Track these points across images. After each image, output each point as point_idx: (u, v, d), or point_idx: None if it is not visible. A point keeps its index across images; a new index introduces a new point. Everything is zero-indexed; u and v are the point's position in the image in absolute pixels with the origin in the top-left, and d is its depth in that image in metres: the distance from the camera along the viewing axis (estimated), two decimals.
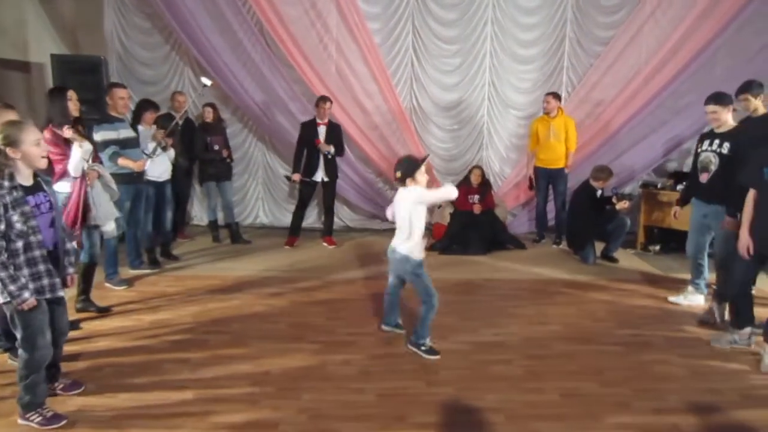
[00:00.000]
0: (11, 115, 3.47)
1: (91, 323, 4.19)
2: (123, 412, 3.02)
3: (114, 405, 3.09)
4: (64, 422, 2.90)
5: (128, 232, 5.24)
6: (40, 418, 2.87)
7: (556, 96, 6.70)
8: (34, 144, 2.75)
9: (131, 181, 4.94)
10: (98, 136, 4.75)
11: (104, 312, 4.40)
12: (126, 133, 4.95)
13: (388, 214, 3.95)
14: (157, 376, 3.43)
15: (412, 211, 3.65)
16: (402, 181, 3.66)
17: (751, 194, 3.68)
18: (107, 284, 4.97)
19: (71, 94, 4.15)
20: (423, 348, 3.77)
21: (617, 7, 7.12)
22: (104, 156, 4.78)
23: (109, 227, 4.18)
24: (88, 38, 7.04)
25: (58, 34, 6.89)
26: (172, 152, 5.66)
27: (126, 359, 3.65)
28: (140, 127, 5.44)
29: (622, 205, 6.10)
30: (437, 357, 3.71)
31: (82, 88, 6.02)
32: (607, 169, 6.25)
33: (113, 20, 7.04)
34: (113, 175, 4.78)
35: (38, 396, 2.91)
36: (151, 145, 5.32)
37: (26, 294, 2.71)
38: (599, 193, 6.24)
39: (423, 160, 3.75)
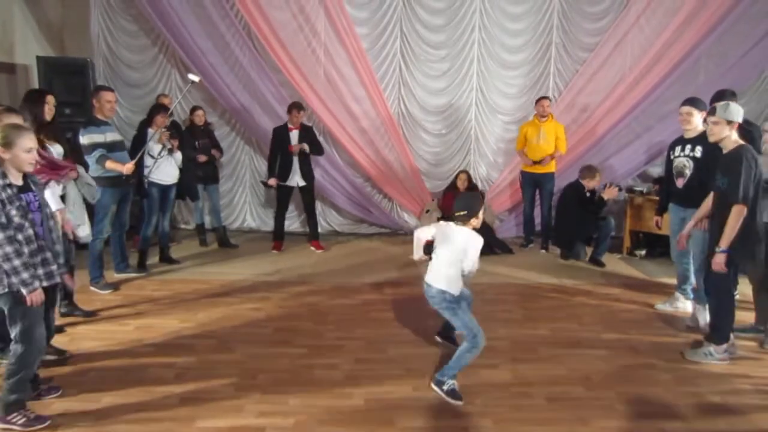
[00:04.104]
0: (14, 118, 3.48)
1: (75, 327, 4.14)
2: (106, 417, 2.99)
3: (97, 409, 3.06)
4: (47, 423, 2.88)
5: (113, 235, 5.17)
6: (23, 419, 2.86)
7: (550, 100, 6.80)
8: (25, 151, 2.83)
9: (118, 184, 4.88)
10: (85, 138, 4.71)
11: (90, 316, 4.35)
12: (113, 136, 4.90)
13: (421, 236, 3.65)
14: (141, 380, 3.40)
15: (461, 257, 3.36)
16: (466, 219, 3.34)
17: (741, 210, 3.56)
18: (92, 288, 4.91)
19: (49, 99, 4.08)
20: (445, 388, 3.30)
21: (602, 14, 7.20)
22: (91, 159, 4.74)
23: (83, 232, 4.11)
24: (74, 40, 7.00)
25: (44, 35, 6.83)
26: (178, 155, 5.61)
27: (110, 363, 3.61)
28: (150, 130, 5.43)
29: (610, 192, 6.15)
30: (459, 402, 3.24)
31: (68, 90, 6.05)
32: (595, 168, 6.36)
33: (100, 22, 6.97)
34: (100, 178, 4.77)
35: (25, 394, 2.91)
36: (156, 148, 5.29)
37: (37, 283, 2.81)
38: (588, 192, 6.32)
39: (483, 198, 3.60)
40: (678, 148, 4.56)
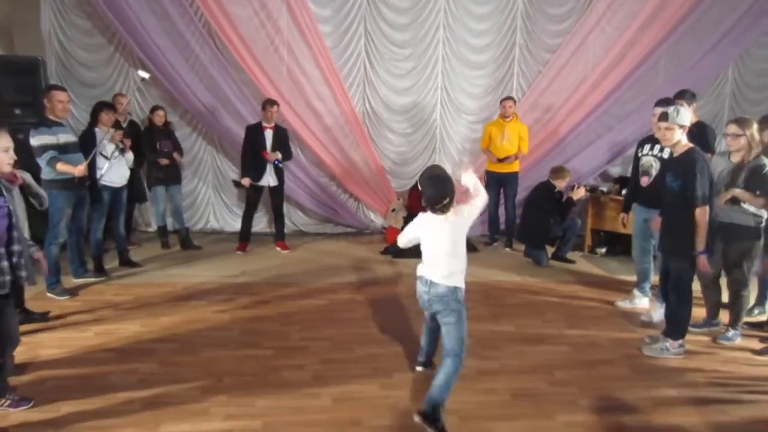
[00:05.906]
0: None
1: (32, 336, 3.99)
2: (66, 426, 2.90)
3: (57, 419, 2.97)
4: None
5: (70, 239, 5.01)
6: None
7: (514, 101, 6.88)
8: (3, 150, 2.79)
9: (71, 187, 4.72)
10: (35, 140, 4.54)
11: (43, 319, 4.22)
12: (66, 137, 4.72)
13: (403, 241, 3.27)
14: (102, 387, 3.31)
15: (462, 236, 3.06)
16: (448, 207, 2.96)
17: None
18: (49, 294, 4.75)
19: None
20: (439, 425, 2.86)
21: (565, 16, 7.33)
22: (42, 161, 4.57)
23: None
24: (24, 38, 6.66)
25: None
26: (130, 155, 5.49)
27: (69, 371, 3.50)
28: (97, 130, 5.25)
29: (578, 192, 6.26)
30: None
31: (17, 90, 5.79)
32: (566, 169, 6.47)
33: (51, 19, 6.71)
34: (53, 181, 4.61)
35: None
36: (110, 148, 5.13)
37: None
38: (558, 191, 6.42)
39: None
40: (647, 147, 4.64)
